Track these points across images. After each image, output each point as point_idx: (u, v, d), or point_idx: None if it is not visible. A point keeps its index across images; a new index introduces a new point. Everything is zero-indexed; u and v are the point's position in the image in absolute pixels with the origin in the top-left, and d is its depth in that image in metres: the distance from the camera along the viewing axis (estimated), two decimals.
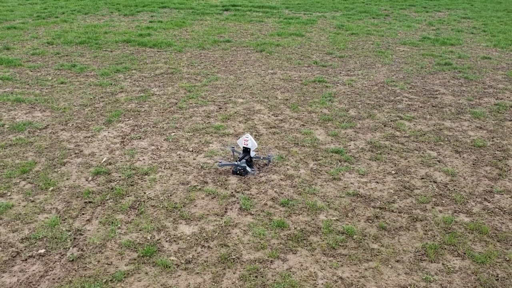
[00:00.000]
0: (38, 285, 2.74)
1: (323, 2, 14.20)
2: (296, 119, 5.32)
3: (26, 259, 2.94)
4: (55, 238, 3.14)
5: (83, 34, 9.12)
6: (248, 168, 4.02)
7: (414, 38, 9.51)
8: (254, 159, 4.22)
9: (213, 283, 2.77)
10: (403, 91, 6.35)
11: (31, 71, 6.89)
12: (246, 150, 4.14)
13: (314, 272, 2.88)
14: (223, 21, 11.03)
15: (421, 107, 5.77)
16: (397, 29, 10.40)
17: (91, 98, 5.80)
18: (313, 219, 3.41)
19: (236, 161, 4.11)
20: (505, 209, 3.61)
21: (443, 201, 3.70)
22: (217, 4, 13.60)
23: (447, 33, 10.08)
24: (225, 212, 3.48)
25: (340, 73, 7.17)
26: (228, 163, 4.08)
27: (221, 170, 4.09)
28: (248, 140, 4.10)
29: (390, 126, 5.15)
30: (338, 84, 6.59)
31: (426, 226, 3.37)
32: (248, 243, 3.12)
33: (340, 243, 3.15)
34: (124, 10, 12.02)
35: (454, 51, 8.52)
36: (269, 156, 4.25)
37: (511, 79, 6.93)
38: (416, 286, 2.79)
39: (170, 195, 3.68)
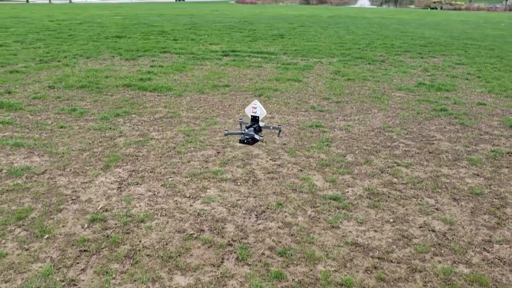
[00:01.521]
0: None
1: (319, 49, 14.55)
2: (294, 164, 5.34)
3: None
4: None
5: (84, 78, 9.27)
6: (256, 136, 3.85)
7: (409, 84, 9.69)
8: (264, 128, 4.07)
9: None
10: (399, 136, 6.40)
11: (32, 115, 6.96)
12: (255, 119, 3.98)
13: None
14: (223, 66, 11.25)
15: (418, 153, 5.80)
16: (392, 75, 10.61)
17: (89, 143, 5.84)
18: (311, 270, 3.36)
19: (244, 130, 3.95)
20: (505, 260, 3.57)
21: (442, 251, 3.66)
22: (217, 49, 13.91)
23: (442, 79, 10.28)
24: (222, 262, 3.43)
25: (337, 118, 7.25)
26: (235, 131, 3.92)
27: (218, 217, 4.07)
28: (256, 108, 3.94)
29: (387, 173, 5.17)
30: (335, 129, 6.65)
31: (425, 278, 3.32)
32: None
33: None
34: (125, 55, 12.27)
35: (449, 97, 8.66)
36: (279, 126, 4.13)
37: (507, 126, 7.02)
38: None
39: (166, 244, 3.64)
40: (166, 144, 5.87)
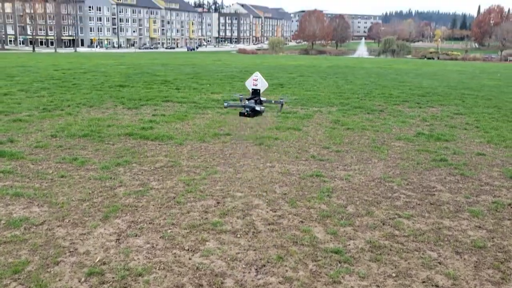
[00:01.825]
0: None
1: (319, 98, 14.78)
2: (295, 215, 5.31)
3: None
4: None
5: (86, 127, 9.37)
6: (257, 107, 3.77)
7: (409, 134, 9.77)
8: (265, 102, 3.96)
9: None
10: (400, 187, 6.39)
11: (33, 164, 6.98)
12: (256, 92, 3.90)
13: None
14: (224, 115, 11.38)
15: (419, 204, 5.78)
16: (391, 125, 10.71)
17: (89, 193, 5.82)
18: None
19: (244, 103, 3.85)
20: None
21: None
22: (218, 98, 14.14)
23: (441, 129, 10.37)
24: None
25: (337, 167, 7.26)
26: (235, 104, 3.82)
27: (217, 271, 3.99)
28: (257, 80, 3.88)
29: (388, 225, 5.12)
30: (335, 179, 6.65)
31: None
32: None
33: None
34: (128, 104, 12.46)
35: (448, 147, 8.71)
36: (281, 99, 4.03)
37: (507, 177, 7.02)
38: None
39: None
40: (166, 194, 5.86)
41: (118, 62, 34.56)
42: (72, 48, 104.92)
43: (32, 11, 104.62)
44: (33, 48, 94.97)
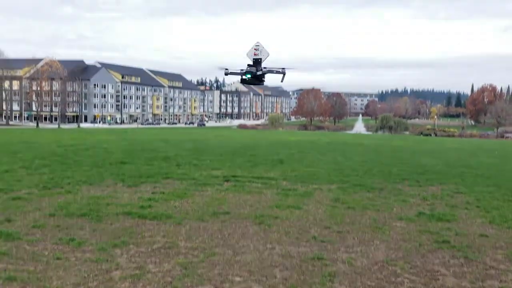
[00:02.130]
0: None
1: (318, 175, 14.83)
2: None
3: None
4: None
5: (85, 206, 9.31)
6: (259, 72, 3.67)
7: (410, 213, 9.67)
8: (267, 72, 3.88)
9: None
10: (403, 271, 6.23)
11: (29, 245, 6.85)
12: (257, 62, 3.83)
13: None
14: (223, 192, 11.37)
15: None
16: (392, 203, 10.65)
17: (85, 277, 5.67)
18: None
19: (245, 71, 3.75)
20: None
21: None
22: (218, 174, 14.18)
23: (442, 208, 10.29)
24: None
25: (339, 249, 7.13)
26: (236, 71, 3.72)
27: None
28: (258, 49, 3.80)
29: None
30: (337, 262, 6.51)
31: None
32: None
33: None
34: (128, 181, 12.47)
35: (450, 228, 8.59)
36: (283, 69, 3.96)
37: None
38: None
39: None
40: (163, 278, 5.70)
41: (120, 137, 35.10)
42: (76, 124, 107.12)
43: (38, 89, 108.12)
44: (37, 124, 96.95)
